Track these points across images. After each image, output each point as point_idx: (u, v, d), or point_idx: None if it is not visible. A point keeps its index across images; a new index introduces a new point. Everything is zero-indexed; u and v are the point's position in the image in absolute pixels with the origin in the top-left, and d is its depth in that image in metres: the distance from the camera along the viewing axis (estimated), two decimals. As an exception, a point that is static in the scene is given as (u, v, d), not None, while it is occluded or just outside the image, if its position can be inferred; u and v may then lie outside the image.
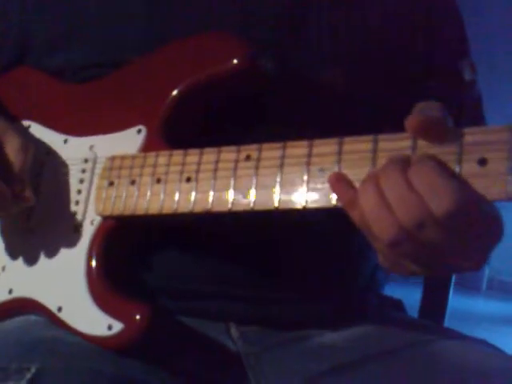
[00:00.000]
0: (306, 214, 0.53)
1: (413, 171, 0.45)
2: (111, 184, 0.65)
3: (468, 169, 0.45)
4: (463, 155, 0.46)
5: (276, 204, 0.54)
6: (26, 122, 0.76)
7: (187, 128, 0.67)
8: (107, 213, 0.65)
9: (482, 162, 0.45)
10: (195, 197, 0.59)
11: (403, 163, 0.46)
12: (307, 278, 0.71)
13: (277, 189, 0.54)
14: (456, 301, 1.04)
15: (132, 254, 0.68)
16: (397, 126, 0.49)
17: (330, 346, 0.69)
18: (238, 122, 0.66)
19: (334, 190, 0.49)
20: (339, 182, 0.49)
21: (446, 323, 0.97)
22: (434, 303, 0.99)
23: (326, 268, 0.71)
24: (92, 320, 0.62)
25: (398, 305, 0.80)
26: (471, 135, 0.46)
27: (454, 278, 0.99)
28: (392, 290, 0.81)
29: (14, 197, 0.63)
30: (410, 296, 0.99)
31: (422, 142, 0.48)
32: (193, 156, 0.61)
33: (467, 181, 0.45)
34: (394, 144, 0.49)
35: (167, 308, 0.68)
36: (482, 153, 0.45)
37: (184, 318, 0.69)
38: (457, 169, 0.46)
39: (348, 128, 0.53)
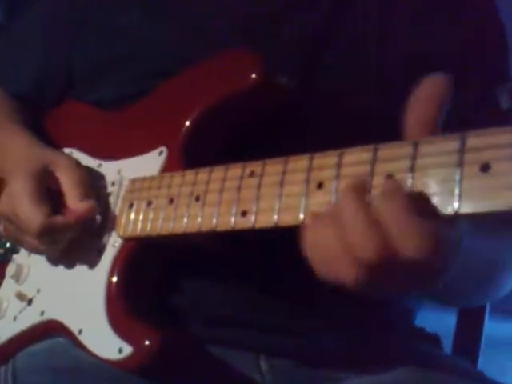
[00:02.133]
0: None
1: (378, 207, 0.40)
2: (131, 206, 0.65)
3: (470, 175, 0.39)
4: (465, 160, 0.40)
5: (275, 221, 0.50)
6: (67, 150, 0.79)
7: (208, 149, 0.66)
8: (127, 234, 0.65)
9: (485, 167, 0.39)
10: (202, 217, 0.57)
11: (363, 196, 0.41)
12: (339, 311, 0.66)
13: (276, 206, 0.50)
14: (492, 327, 0.95)
15: (159, 278, 0.67)
16: None
17: None
18: (259, 141, 0.64)
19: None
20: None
21: (482, 350, 0.90)
22: (470, 329, 0.91)
23: (358, 301, 0.66)
24: (106, 343, 0.61)
25: (434, 340, 0.73)
26: (474, 138, 0.40)
27: (489, 303, 0.91)
28: (426, 316, 0.75)
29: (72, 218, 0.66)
30: (445, 321, 0.91)
31: (422, 149, 0.42)
32: (203, 175, 0.59)
33: (439, 214, 0.39)
34: (394, 152, 0.44)
35: (194, 335, 0.66)
36: (485, 157, 0.39)
37: (212, 346, 0.67)
38: (457, 175, 0.40)
39: None
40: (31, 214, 0.65)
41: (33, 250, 0.71)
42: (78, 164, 0.71)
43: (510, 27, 0.74)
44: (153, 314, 0.64)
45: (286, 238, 0.63)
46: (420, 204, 0.40)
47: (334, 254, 0.41)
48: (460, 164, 0.40)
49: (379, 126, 0.65)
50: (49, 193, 0.68)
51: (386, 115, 0.66)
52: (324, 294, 0.66)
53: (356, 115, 0.66)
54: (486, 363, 0.83)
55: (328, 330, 0.67)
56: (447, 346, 0.86)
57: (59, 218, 0.66)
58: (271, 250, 0.64)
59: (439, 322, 0.77)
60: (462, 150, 0.40)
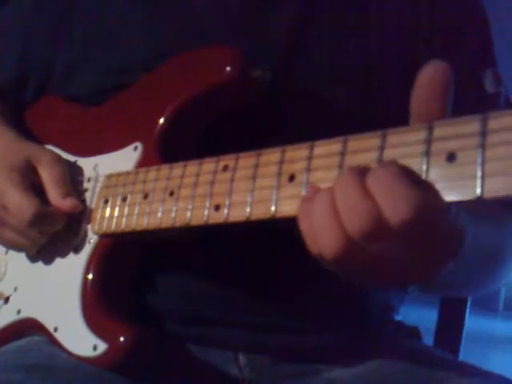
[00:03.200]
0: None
1: (370, 176, 0.39)
2: (106, 202, 0.65)
3: (436, 165, 0.39)
4: (431, 150, 0.40)
5: (247, 215, 0.50)
6: (46, 146, 0.78)
7: (184, 144, 0.66)
8: (102, 231, 0.64)
9: (451, 157, 0.39)
10: (176, 211, 0.56)
11: (362, 170, 0.40)
12: (318, 306, 0.67)
13: (248, 199, 0.50)
14: (473, 322, 0.95)
15: (135, 276, 0.67)
16: None
17: (339, 382, 0.65)
18: (235, 137, 0.64)
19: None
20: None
21: (463, 345, 0.91)
22: (451, 325, 0.92)
23: (337, 296, 0.67)
24: (81, 340, 0.61)
25: (413, 332, 0.73)
26: (440, 128, 0.40)
27: (470, 299, 0.92)
28: (407, 311, 0.75)
29: (56, 212, 0.65)
30: (426, 317, 0.91)
31: (390, 140, 0.43)
32: (177, 169, 0.59)
33: (431, 186, 0.38)
34: (361, 143, 0.44)
35: (167, 332, 0.66)
36: (450, 147, 0.39)
37: (190, 344, 0.66)
38: (424, 165, 0.40)
39: None
40: (23, 203, 0.64)
41: (11, 244, 0.70)
42: (59, 159, 0.70)
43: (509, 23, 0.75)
44: (129, 311, 0.64)
45: (265, 235, 0.63)
46: (413, 176, 0.38)
47: (322, 226, 0.40)
48: (426, 154, 0.40)
49: (359, 120, 0.65)
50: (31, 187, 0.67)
51: (367, 108, 0.66)
52: (304, 291, 0.66)
53: (335, 108, 0.66)
54: (466, 359, 0.83)
55: (308, 327, 0.66)
56: (428, 341, 0.86)
57: (52, 208, 0.65)
58: (249, 247, 0.64)
59: (420, 317, 0.77)
60: (428, 140, 0.40)
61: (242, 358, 0.66)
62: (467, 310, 0.93)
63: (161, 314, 0.67)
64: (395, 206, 0.37)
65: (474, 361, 0.65)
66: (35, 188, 0.67)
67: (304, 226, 0.43)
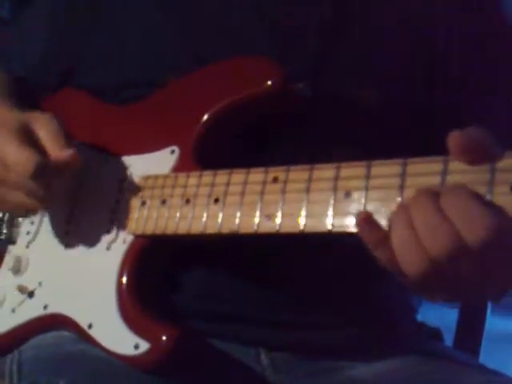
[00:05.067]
0: (337, 239, 0.52)
1: (444, 199, 0.43)
2: (143, 204, 0.66)
3: (499, 194, 0.43)
4: (495, 179, 0.43)
5: (301, 227, 0.52)
6: (70, 141, 0.78)
7: (219, 148, 0.67)
8: (139, 232, 0.65)
9: (514, 188, 0.42)
10: (222, 218, 0.58)
11: (433, 192, 0.44)
12: (340, 302, 0.69)
13: (302, 212, 0.53)
14: (494, 322, 0.98)
15: (164, 274, 0.68)
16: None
17: (360, 381, 0.67)
18: (269, 141, 0.66)
19: (361, 232, 0.47)
20: (367, 223, 0.47)
21: (484, 345, 0.93)
22: (471, 324, 0.94)
23: (359, 293, 0.69)
24: (120, 338, 0.62)
25: (435, 334, 0.77)
26: (505, 159, 0.43)
27: None
28: (428, 310, 0.78)
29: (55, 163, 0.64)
30: (447, 316, 0.94)
31: (453, 166, 0.45)
32: (222, 176, 0.60)
33: (502, 207, 0.42)
34: (423, 167, 0.47)
35: (197, 330, 0.68)
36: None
37: (215, 340, 0.68)
38: (488, 194, 0.43)
39: (382, 148, 0.51)
40: (23, 156, 0.62)
41: (18, 206, 0.69)
42: (54, 117, 0.69)
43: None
44: (161, 311, 0.65)
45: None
46: (483, 198, 0.42)
47: (403, 248, 0.44)
48: (490, 183, 0.43)
49: (384, 121, 0.68)
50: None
51: (395, 109, 0.69)
52: (324, 288, 0.69)
53: (362, 109, 0.68)
54: (487, 359, 0.85)
55: (329, 324, 0.69)
56: (448, 341, 0.88)
57: (52, 159, 0.64)
58: (272, 245, 0.66)
59: (441, 317, 0.79)
60: (493, 170, 0.43)
61: (263, 358, 0.68)
62: (488, 310, 0.94)
63: (184, 312, 0.68)
64: (471, 228, 0.41)
65: (494, 361, 0.67)
66: (34, 146, 0.66)
67: (380, 254, 0.46)
